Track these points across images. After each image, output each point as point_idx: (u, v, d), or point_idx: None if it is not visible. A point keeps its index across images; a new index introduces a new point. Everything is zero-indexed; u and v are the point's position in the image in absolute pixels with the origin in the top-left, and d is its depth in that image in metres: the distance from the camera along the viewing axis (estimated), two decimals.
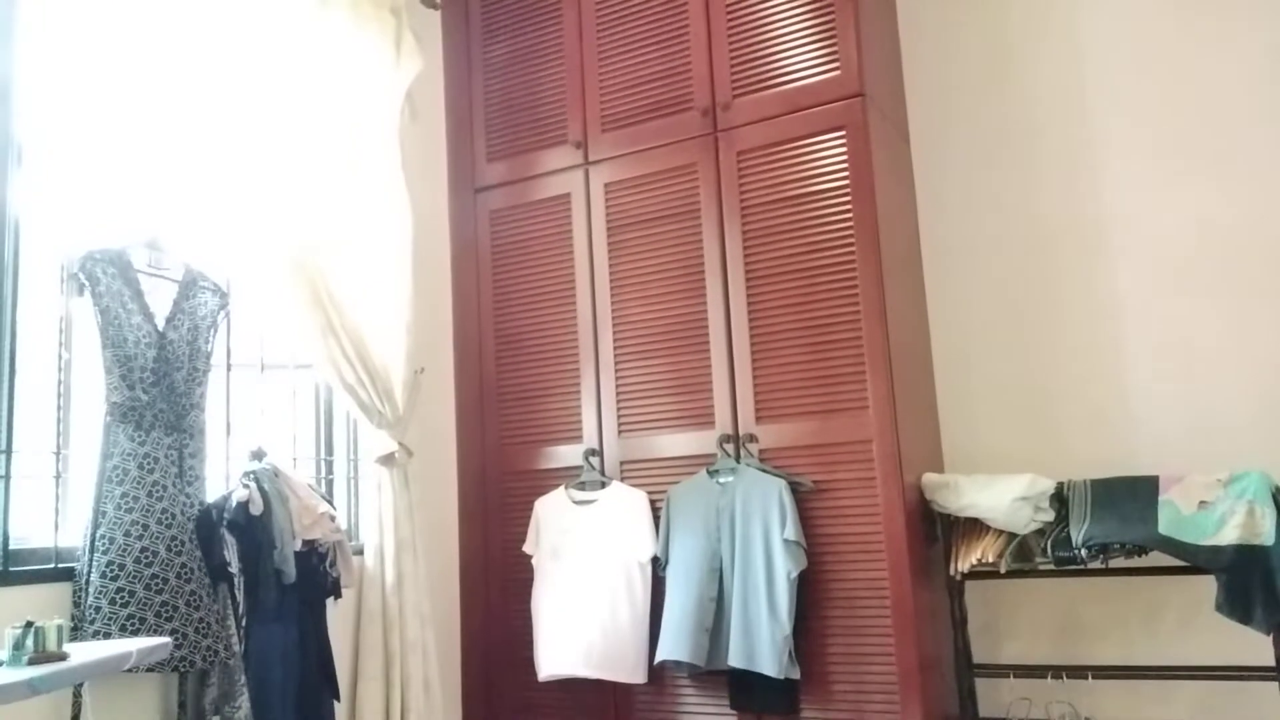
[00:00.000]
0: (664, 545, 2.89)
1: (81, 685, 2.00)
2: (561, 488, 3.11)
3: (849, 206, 2.81)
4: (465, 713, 3.23)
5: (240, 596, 2.37)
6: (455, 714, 3.19)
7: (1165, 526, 2.50)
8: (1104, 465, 2.86)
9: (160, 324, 2.38)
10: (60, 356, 2.30)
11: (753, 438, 2.87)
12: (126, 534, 2.14)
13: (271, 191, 2.69)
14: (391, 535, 2.88)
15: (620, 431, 3.09)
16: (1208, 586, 2.54)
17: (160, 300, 2.41)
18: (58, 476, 2.25)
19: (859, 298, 2.76)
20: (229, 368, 2.69)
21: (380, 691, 2.78)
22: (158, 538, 2.18)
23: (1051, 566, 2.67)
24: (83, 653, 1.70)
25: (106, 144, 2.47)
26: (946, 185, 3.32)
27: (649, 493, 2.98)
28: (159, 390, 2.31)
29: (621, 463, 3.07)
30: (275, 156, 2.72)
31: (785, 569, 2.66)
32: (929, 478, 2.83)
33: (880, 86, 3.04)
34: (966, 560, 2.69)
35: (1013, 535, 2.68)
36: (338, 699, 2.62)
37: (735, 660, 2.66)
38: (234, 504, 2.37)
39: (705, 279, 3.00)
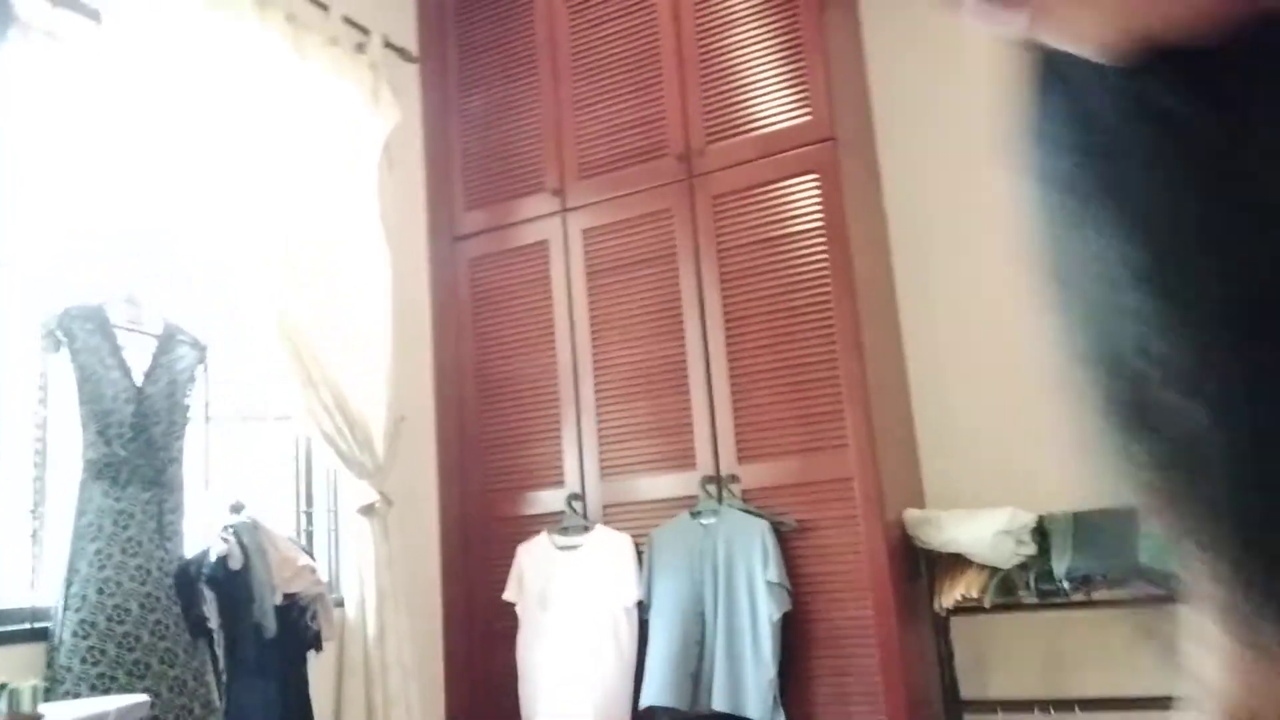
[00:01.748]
0: (647, 588, 2.88)
1: None
2: (544, 533, 3.10)
3: (824, 247, 2.85)
4: None
5: (220, 652, 2.34)
6: None
7: (1147, 557, 2.51)
8: (1085, 497, 2.88)
9: (138, 379, 2.37)
10: (38, 414, 2.29)
11: (734, 478, 2.87)
12: (99, 591, 2.12)
13: (249, 244, 2.71)
14: (373, 586, 2.85)
15: (602, 475, 3.09)
16: None
17: (138, 355, 2.41)
18: (34, 535, 2.23)
19: (835, 336, 2.79)
20: (207, 421, 2.68)
21: None
22: (131, 595, 2.15)
23: (1035, 600, 2.67)
24: (58, 714, 1.67)
25: (84, 200, 2.48)
26: (919, 222, 3.37)
27: (633, 535, 2.97)
28: (137, 445, 2.30)
29: (604, 506, 3.07)
30: (253, 209, 2.74)
31: (768, 611, 2.65)
32: (910, 514, 2.84)
33: (851, 128, 3.10)
34: (950, 596, 2.69)
35: (996, 569, 2.68)
36: None
37: (720, 705, 2.63)
38: (213, 559, 2.36)
39: (684, 321, 3.02)
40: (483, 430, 3.33)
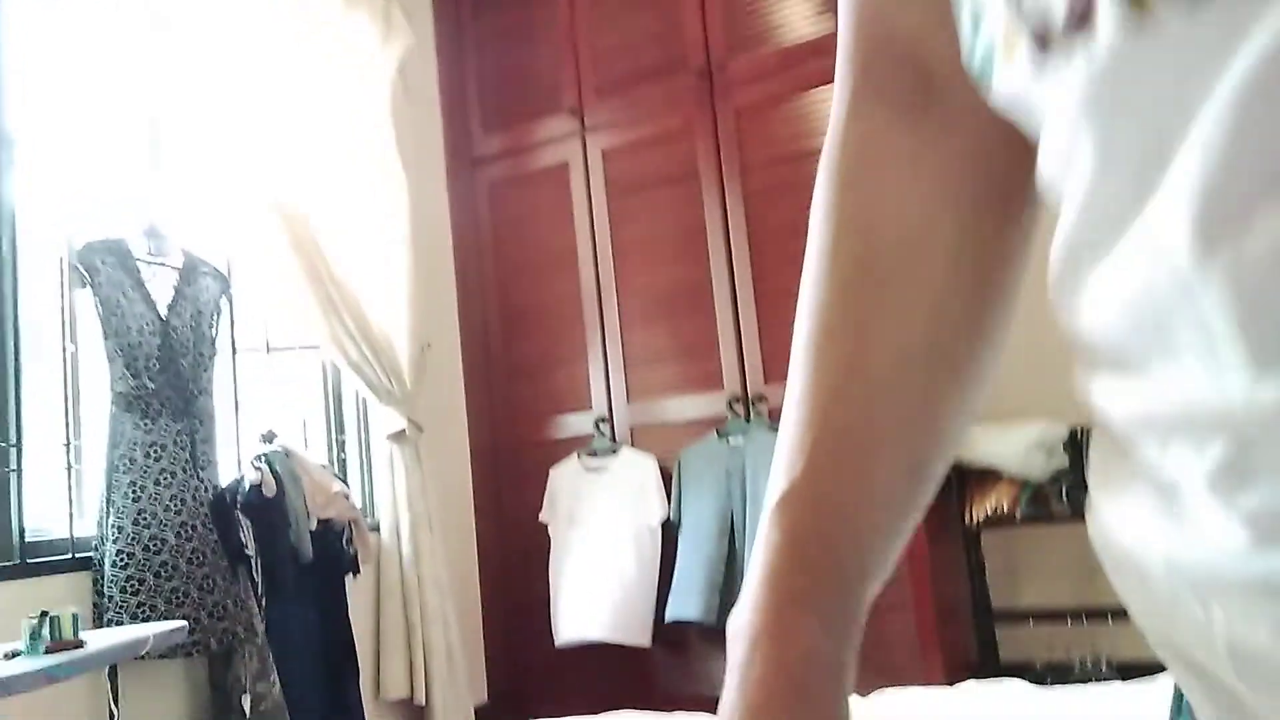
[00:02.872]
0: (676, 508, 2.90)
1: (116, 672, 2.03)
2: (574, 455, 3.11)
3: None
4: (490, 680, 3.26)
5: (259, 578, 2.40)
6: (480, 682, 3.22)
7: None
8: None
9: (163, 311, 2.38)
10: (65, 348, 2.31)
11: (761, 398, 2.85)
12: (135, 522, 2.16)
13: (267, 172, 2.68)
14: (406, 510, 2.89)
15: (629, 398, 3.08)
16: None
17: (161, 287, 2.41)
18: (69, 468, 2.27)
19: None
20: (234, 351, 2.69)
21: (403, 664, 2.82)
22: (166, 525, 2.19)
23: (1067, 512, 2.65)
24: (99, 639, 1.72)
25: (101, 133, 2.47)
26: None
27: (660, 457, 2.98)
28: (165, 377, 2.32)
29: (632, 428, 3.07)
30: (270, 138, 2.71)
31: None
32: None
33: None
34: (981, 509, 2.68)
35: (1027, 482, 2.66)
36: (356, 675, 2.64)
37: None
38: (247, 487, 2.39)
39: (708, 241, 2.98)
40: (509, 356, 3.33)
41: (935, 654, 2.57)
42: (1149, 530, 0.29)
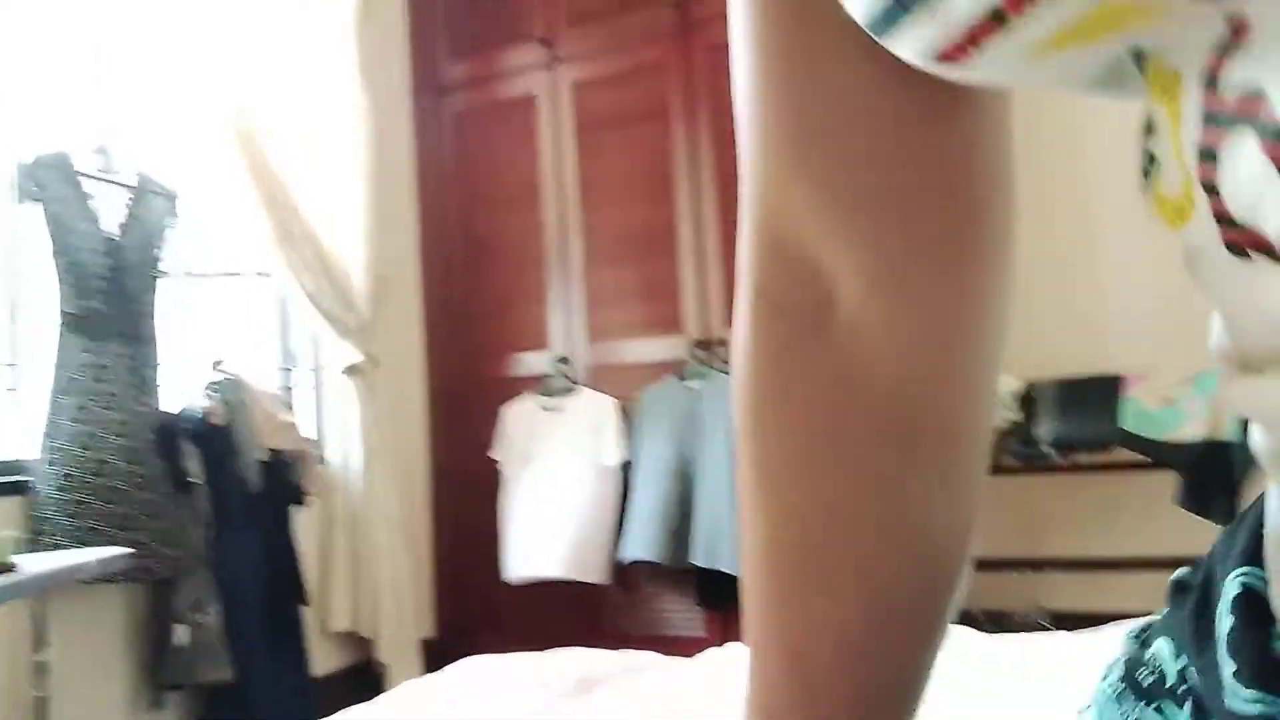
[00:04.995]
0: (633, 449, 2.90)
1: (45, 598, 1.99)
2: (530, 394, 3.09)
3: None
4: (436, 615, 3.27)
5: (205, 505, 2.37)
6: (426, 616, 3.23)
7: (1129, 423, 2.52)
8: (1075, 364, 2.86)
9: (113, 231, 2.31)
10: (8, 266, 2.23)
11: (722, 342, 2.84)
12: (82, 445, 2.12)
13: (223, 92, 2.59)
14: (358, 443, 2.87)
15: (590, 338, 3.06)
16: (1167, 482, 2.57)
17: (110, 206, 2.33)
18: (9, 388, 2.21)
19: None
20: (186, 276, 2.63)
21: (349, 596, 2.81)
22: (112, 449, 2.15)
23: (1016, 464, 2.69)
24: (34, 564, 1.69)
25: (49, 45, 2.36)
26: None
27: (620, 399, 2.97)
28: (113, 299, 2.25)
29: (591, 369, 3.05)
30: (227, 56, 2.60)
31: None
32: None
33: None
34: None
35: None
36: (305, 604, 2.64)
37: (699, 559, 2.69)
38: (196, 414, 2.35)
39: (676, 182, 2.93)
40: (469, 291, 3.28)
41: None
42: None
